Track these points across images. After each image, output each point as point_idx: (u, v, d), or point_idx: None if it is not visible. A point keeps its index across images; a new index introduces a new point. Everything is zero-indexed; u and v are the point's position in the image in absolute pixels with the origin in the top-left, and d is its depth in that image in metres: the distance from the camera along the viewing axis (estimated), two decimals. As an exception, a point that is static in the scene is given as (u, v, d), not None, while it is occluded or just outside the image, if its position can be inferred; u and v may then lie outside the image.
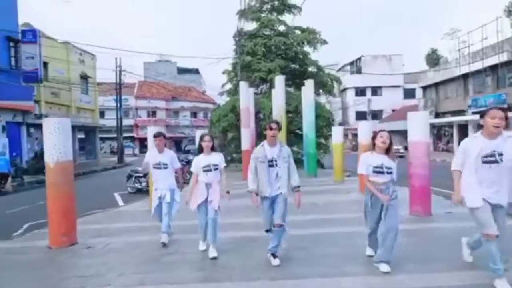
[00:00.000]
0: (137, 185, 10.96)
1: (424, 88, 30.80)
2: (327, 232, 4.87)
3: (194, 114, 45.33)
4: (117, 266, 3.89)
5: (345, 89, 46.09)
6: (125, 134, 31.20)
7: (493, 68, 21.11)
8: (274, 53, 17.93)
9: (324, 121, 16.93)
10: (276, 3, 18.64)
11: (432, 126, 28.63)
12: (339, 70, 49.65)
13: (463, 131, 24.74)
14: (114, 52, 69.16)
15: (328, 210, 6.54)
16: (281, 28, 18.55)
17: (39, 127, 17.61)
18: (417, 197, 5.69)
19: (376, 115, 43.62)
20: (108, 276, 3.61)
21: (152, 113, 42.04)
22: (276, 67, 16.95)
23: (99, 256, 4.28)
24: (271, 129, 3.56)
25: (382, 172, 3.34)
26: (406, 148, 28.87)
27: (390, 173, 3.34)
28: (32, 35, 16.64)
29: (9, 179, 12.16)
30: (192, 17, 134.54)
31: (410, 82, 41.85)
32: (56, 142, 4.69)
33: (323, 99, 21.70)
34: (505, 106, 17.71)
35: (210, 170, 4.05)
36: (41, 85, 17.72)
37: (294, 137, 16.80)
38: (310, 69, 18.45)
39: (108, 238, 5.06)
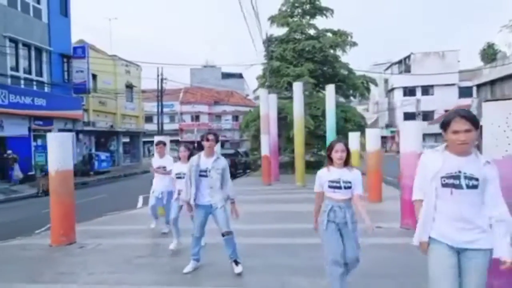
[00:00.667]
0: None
1: (478, 86, 28.09)
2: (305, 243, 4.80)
3: (235, 118, 46.40)
4: (92, 266, 4.33)
5: (392, 89, 43.82)
6: (171, 138, 33.09)
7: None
8: (303, 57, 17.84)
9: (354, 125, 16.43)
10: (307, 6, 18.56)
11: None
12: (386, 69, 47.39)
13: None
14: (159, 62, 73.55)
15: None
16: (312, 31, 18.40)
17: (87, 133, 19.81)
18: (407, 209, 5.40)
19: (426, 115, 40.76)
20: (79, 274, 4.05)
21: (196, 117, 43.90)
22: (304, 71, 16.86)
23: (83, 255, 4.78)
24: (207, 140, 3.70)
25: (339, 187, 2.88)
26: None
27: (349, 187, 2.88)
28: (81, 51, 18.59)
29: None
30: (235, 23, 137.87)
31: (466, 80, 38.38)
32: (57, 154, 5.31)
33: (355, 102, 21.01)
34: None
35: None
36: (89, 95, 19.68)
37: (321, 141, 16.54)
38: (341, 71, 18.03)
39: (103, 239, 5.58)
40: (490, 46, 27.96)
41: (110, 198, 11.58)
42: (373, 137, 8.26)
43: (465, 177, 2.00)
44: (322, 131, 16.27)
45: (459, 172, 2.01)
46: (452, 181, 2.02)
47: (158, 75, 24.50)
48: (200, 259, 4.02)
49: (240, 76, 54.56)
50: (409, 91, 42.41)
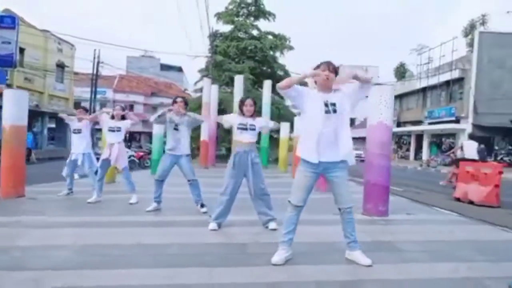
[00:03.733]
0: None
1: (391, 99, 32.62)
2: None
3: (173, 111, 45.87)
4: (53, 209, 4.82)
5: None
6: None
7: (447, 83, 22.99)
8: (245, 55, 19.06)
9: (286, 121, 18.13)
10: (252, 8, 19.85)
11: (395, 134, 30.51)
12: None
13: (419, 140, 26.55)
14: (98, 44, 68.75)
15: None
16: (255, 32, 19.75)
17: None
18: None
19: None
20: (44, 213, 4.55)
21: (130, 107, 42.26)
22: (245, 68, 18.08)
23: (39, 204, 5.19)
24: (175, 102, 4.57)
25: (246, 129, 3.76)
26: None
27: (253, 129, 3.79)
28: (11, 21, 17.12)
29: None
30: (177, 15, 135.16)
31: (383, 94, 44.10)
32: (12, 109, 5.55)
33: (288, 102, 22.98)
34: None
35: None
36: (15, 70, 18.16)
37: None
38: (278, 72, 19.68)
39: (51, 195, 5.93)
40: (402, 65, 32.79)
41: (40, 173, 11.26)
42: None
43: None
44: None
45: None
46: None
47: (94, 57, 23.45)
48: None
49: (179, 69, 53.93)
50: (336, 99, 46.95)
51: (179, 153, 4.57)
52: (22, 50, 18.83)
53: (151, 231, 3.80)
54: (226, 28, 20.29)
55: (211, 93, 13.90)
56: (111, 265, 2.73)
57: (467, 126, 20.72)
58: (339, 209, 2.81)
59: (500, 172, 6.37)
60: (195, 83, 22.20)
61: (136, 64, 48.46)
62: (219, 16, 20.32)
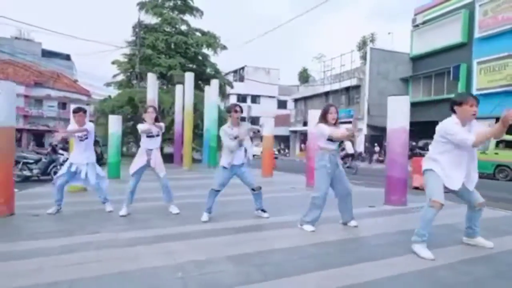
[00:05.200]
0: (26, 173, 9.77)
1: (296, 100, 36.06)
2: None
3: (63, 105, 39.80)
4: (84, 223, 4.16)
5: (228, 95, 49.10)
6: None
7: (347, 89, 26.95)
8: (174, 50, 18.34)
9: (223, 120, 18.34)
10: (178, 2, 19.14)
11: (301, 133, 33.94)
12: (226, 75, 52.51)
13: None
14: None
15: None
16: (183, 27, 19.14)
17: None
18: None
19: (254, 121, 48.05)
20: (74, 230, 3.91)
21: (6, 99, 34.84)
22: (176, 64, 17.44)
23: (49, 220, 4.40)
24: (236, 111, 4.35)
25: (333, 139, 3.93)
26: (279, 151, 32.65)
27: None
28: None
29: None
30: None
31: (283, 94, 48.12)
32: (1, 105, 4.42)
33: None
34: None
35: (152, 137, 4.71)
36: None
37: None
38: (208, 70, 19.61)
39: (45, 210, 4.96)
40: (305, 70, 36.57)
41: None
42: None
43: None
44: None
45: None
46: None
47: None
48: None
49: (67, 57, 46.98)
50: (242, 98, 48.72)
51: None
52: None
53: (245, 238, 3.77)
54: (149, 19, 19.08)
55: (155, 90, 13.05)
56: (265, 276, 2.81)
57: (363, 126, 24.77)
58: (473, 206, 3.33)
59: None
60: (114, 76, 20.04)
61: (8, 47, 39.96)
62: (142, 5, 18.94)
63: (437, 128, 3.18)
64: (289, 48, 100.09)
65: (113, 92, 20.30)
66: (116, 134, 9.24)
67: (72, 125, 5.02)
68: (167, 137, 15.19)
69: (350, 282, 2.58)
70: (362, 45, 29.83)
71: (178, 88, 13.90)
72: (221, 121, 18.47)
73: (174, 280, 2.60)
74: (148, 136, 4.69)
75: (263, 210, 4.67)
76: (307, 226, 4.00)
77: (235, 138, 4.29)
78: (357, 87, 26.18)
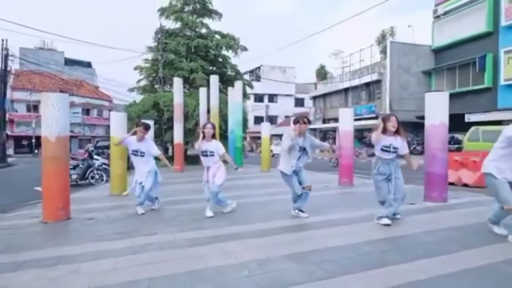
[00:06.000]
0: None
1: (314, 98, 35.86)
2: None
3: (86, 111, 41.10)
4: (144, 224, 4.38)
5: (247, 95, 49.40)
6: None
7: (367, 84, 26.58)
8: (195, 53, 18.61)
9: (247, 122, 18.55)
10: (198, 6, 19.39)
11: (320, 130, 33.74)
12: (243, 74, 52.87)
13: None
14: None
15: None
16: (203, 30, 19.39)
17: None
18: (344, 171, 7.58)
19: (272, 120, 48.12)
20: (138, 230, 4.12)
21: (34, 107, 36.26)
22: (198, 67, 17.70)
23: (109, 223, 4.64)
24: (303, 123, 4.45)
25: (389, 151, 4.21)
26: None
27: (396, 149, 4.28)
28: None
29: None
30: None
31: (300, 92, 47.95)
32: (57, 116, 4.70)
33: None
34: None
35: (206, 156, 4.80)
36: None
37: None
38: (228, 72, 19.78)
39: (99, 213, 5.24)
40: (322, 67, 36.29)
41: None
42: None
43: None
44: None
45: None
46: None
47: (2, 49, 19.56)
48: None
49: (89, 65, 48.46)
50: (259, 98, 48.85)
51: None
52: None
53: (294, 237, 3.88)
54: (169, 24, 19.43)
55: (181, 94, 13.33)
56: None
57: (385, 121, 24.42)
58: None
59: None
60: (138, 81, 20.53)
61: (33, 57, 41.57)
62: (162, 11, 19.32)
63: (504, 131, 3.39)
64: (305, 46, 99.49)
65: (134, 97, 20.87)
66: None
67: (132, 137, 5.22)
68: (192, 139, 15.46)
69: (413, 278, 2.65)
70: (382, 39, 29.36)
71: (202, 91, 14.13)
72: (245, 122, 18.76)
73: (242, 278, 2.74)
74: (203, 155, 4.85)
75: (301, 211, 4.77)
76: (385, 219, 4.24)
77: (301, 148, 4.49)
78: (377, 82, 25.78)
